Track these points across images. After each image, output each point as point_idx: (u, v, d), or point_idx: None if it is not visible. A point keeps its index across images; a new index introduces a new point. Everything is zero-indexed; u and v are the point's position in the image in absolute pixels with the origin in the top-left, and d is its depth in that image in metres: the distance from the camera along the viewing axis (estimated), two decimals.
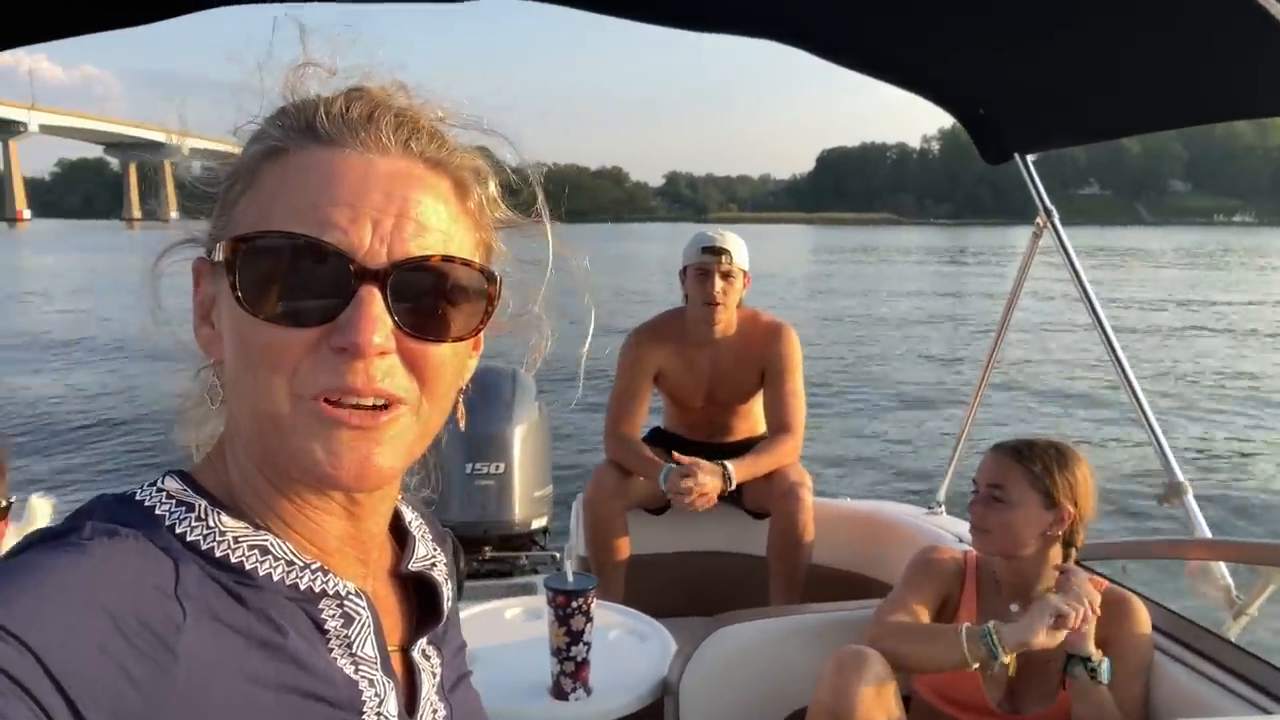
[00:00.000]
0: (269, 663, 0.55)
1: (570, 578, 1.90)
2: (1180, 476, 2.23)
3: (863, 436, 9.31)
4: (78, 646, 0.47)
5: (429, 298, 0.58)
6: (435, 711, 0.68)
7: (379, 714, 0.60)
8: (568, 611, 1.86)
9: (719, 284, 2.83)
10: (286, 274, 0.54)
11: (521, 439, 3.12)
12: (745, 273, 2.92)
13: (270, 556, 0.57)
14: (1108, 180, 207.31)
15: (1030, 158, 2.49)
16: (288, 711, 0.55)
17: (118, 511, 0.55)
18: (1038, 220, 2.55)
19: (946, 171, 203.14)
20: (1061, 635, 1.69)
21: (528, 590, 2.71)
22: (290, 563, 0.58)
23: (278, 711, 0.54)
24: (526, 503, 3.12)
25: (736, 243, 2.93)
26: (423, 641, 0.69)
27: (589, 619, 1.89)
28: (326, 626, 0.60)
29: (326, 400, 0.55)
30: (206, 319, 0.58)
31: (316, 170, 0.55)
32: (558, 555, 3.07)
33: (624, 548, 2.87)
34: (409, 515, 0.75)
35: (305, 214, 0.54)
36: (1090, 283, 2.37)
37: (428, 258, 0.57)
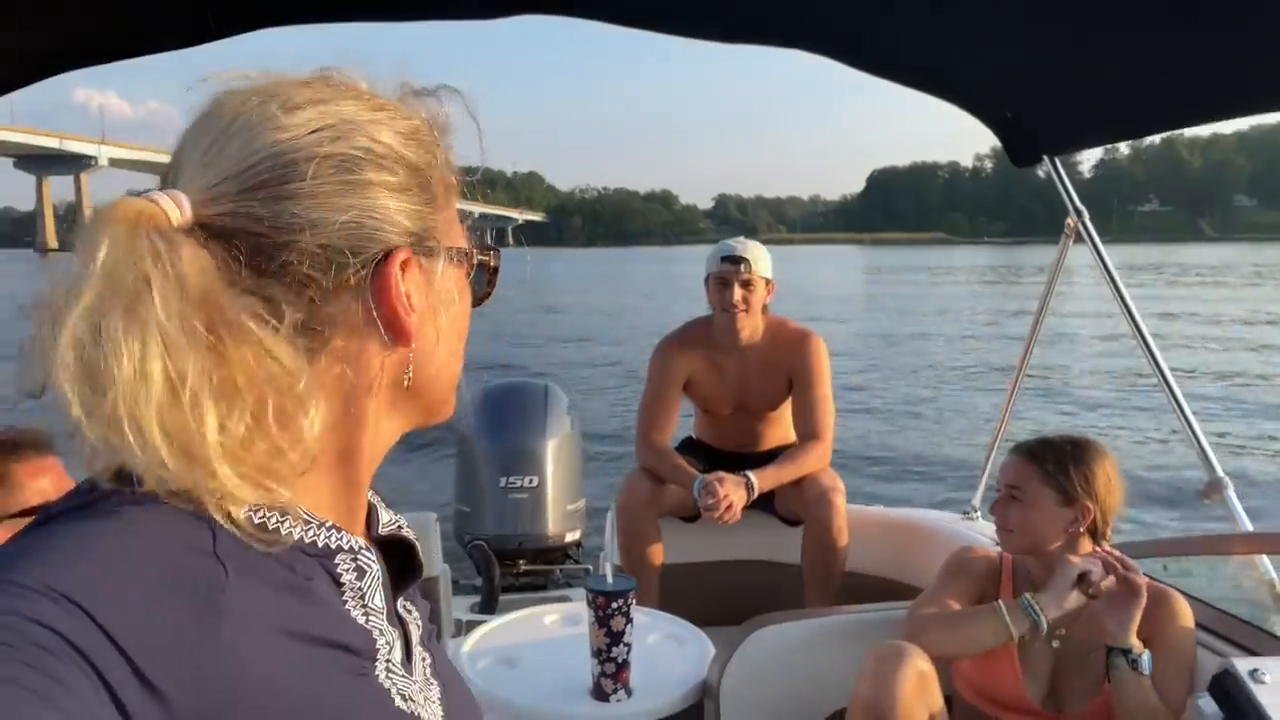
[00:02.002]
0: (300, 616, 0.57)
1: (610, 579, 1.91)
2: (1220, 472, 2.19)
3: (901, 446, 9.29)
4: (133, 610, 0.48)
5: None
6: (424, 659, 0.71)
7: (389, 660, 0.63)
8: (608, 612, 1.87)
9: (739, 292, 2.85)
10: (487, 273, 0.73)
11: (554, 452, 3.15)
12: (768, 280, 2.94)
13: (289, 517, 0.59)
14: (1168, 196, 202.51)
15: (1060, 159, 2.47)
16: (318, 661, 0.57)
17: (128, 482, 0.56)
18: (1068, 221, 2.52)
19: (1000, 189, 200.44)
20: (1088, 596, 1.71)
21: (565, 601, 2.72)
22: (307, 521, 0.60)
23: (309, 662, 0.56)
24: (559, 516, 3.14)
25: (757, 251, 2.94)
26: (402, 599, 0.72)
27: (629, 620, 1.90)
28: (342, 580, 0.62)
29: None
30: (410, 306, 0.62)
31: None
32: (591, 569, 3.08)
33: (657, 555, 2.87)
34: None
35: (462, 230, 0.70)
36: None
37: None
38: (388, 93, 0.65)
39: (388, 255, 0.60)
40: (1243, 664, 1.34)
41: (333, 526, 0.62)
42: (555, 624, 2.33)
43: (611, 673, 1.91)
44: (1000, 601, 1.77)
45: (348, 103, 0.61)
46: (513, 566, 3.17)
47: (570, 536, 3.20)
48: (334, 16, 1.97)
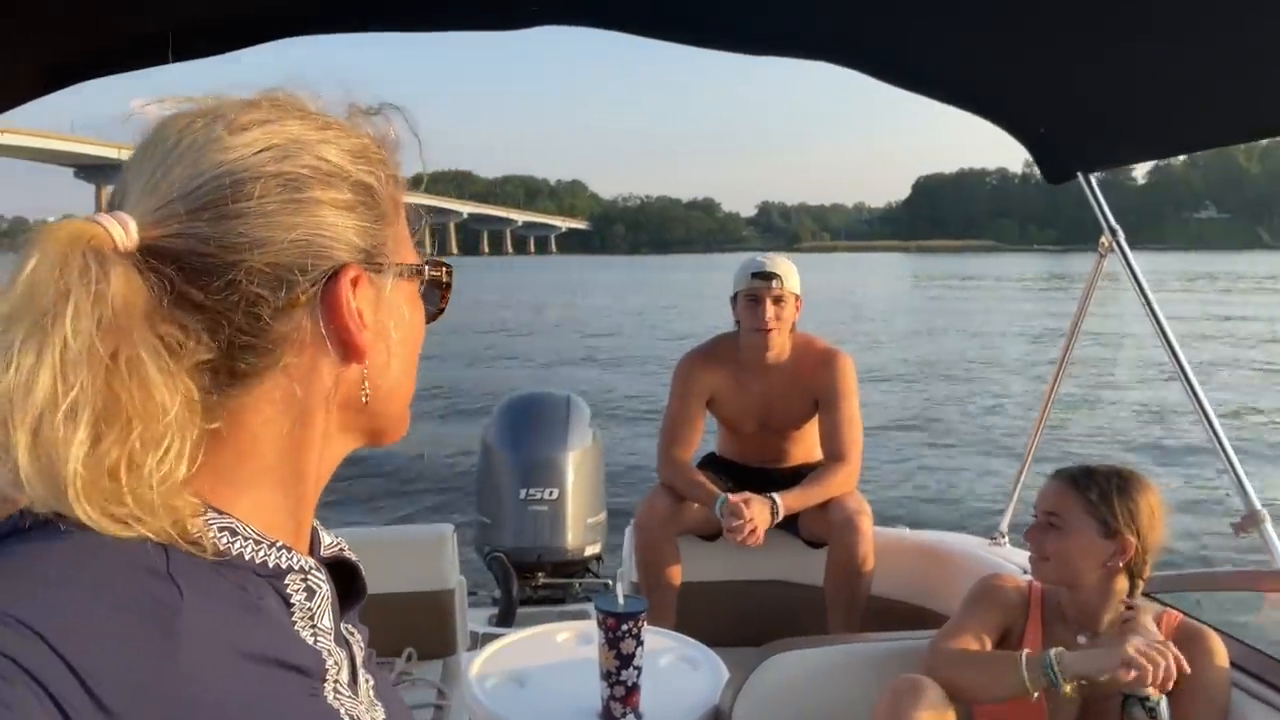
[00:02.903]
0: (254, 637, 0.57)
1: (621, 600, 1.88)
2: (1258, 505, 2.11)
3: (934, 467, 9.13)
4: (89, 633, 0.48)
5: None
6: (368, 680, 0.71)
7: (337, 681, 0.63)
8: (618, 634, 1.84)
9: (770, 309, 2.80)
10: (439, 289, 0.73)
11: (575, 465, 3.13)
12: (797, 297, 2.89)
13: (239, 537, 0.59)
14: (1225, 203, 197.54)
15: (1096, 176, 2.41)
16: (270, 682, 0.56)
17: None
18: (1102, 240, 2.46)
19: (1050, 196, 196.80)
20: (1130, 677, 1.59)
21: (579, 617, 2.69)
22: (257, 541, 0.60)
23: (264, 683, 0.56)
24: (579, 529, 3.11)
25: (787, 267, 2.90)
26: (345, 621, 0.72)
27: (639, 643, 1.86)
28: (292, 600, 0.62)
29: None
30: (362, 323, 0.62)
31: (410, 215, 0.70)
32: (610, 583, 3.05)
33: (676, 573, 2.83)
34: None
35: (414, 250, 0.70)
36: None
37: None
38: (335, 112, 0.66)
39: (338, 272, 0.60)
40: None
41: (283, 546, 0.62)
42: (568, 642, 2.30)
43: (621, 696, 1.88)
44: (1023, 654, 1.70)
45: (293, 123, 0.61)
46: (531, 579, 3.14)
47: (590, 550, 3.16)
48: (361, 27, 1.98)
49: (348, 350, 0.62)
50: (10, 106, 1.92)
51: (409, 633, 2.62)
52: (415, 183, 0.72)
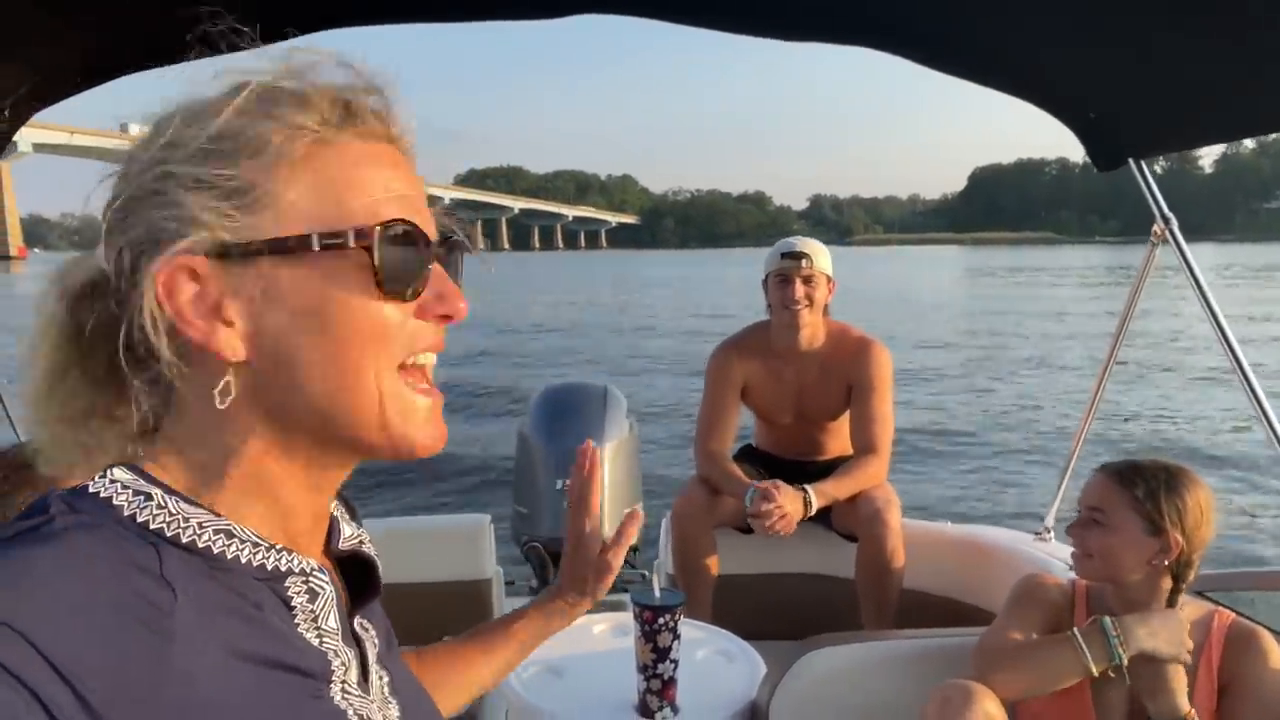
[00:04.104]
0: (250, 639, 0.56)
1: (658, 593, 1.86)
2: None
3: (981, 463, 8.84)
4: (75, 633, 0.47)
5: (455, 266, 0.68)
6: (382, 677, 0.70)
7: (344, 681, 0.63)
8: (654, 628, 1.83)
9: (800, 288, 2.78)
10: (403, 256, 0.59)
11: (611, 456, 3.12)
12: (829, 278, 2.85)
13: (236, 540, 0.58)
14: None
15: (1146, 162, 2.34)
16: (269, 684, 0.56)
17: (75, 503, 0.56)
18: (1155, 229, 2.38)
19: (1113, 186, 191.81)
20: (1186, 660, 1.58)
21: (617, 608, 2.69)
22: (255, 544, 0.59)
23: (260, 685, 0.56)
24: (616, 520, 3.09)
25: (818, 248, 2.87)
26: (359, 616, 0.71)
27: (676, 636, 1.85)
28: (293, 603, 0.61)
29: (400, 369, 0.61)
30: (218, 318, 0.57)
31: (376, 161, 0.61)
32: (647, 574, 3.04)
33: (712, 566, 2.81)
34: None
35: (388, 203, 0.60)
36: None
37: (454, 233, 0.67)
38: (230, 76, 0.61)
39: (175, 271, 0.56)
40: None
41: (282, 549, 0.61)
42: (604, 633, 2.30)
43: (657, 689, 1.86)
44: (1076, 630, 1.65)
45: (180, 109, 0.60)
46: None
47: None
48: (395, 18, 1.99)
49: (216, 354, 0.58)
50: (60, 98, 1.97)
51: (446, 621, 2.63)
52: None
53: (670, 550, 2.87)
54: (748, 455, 3.07)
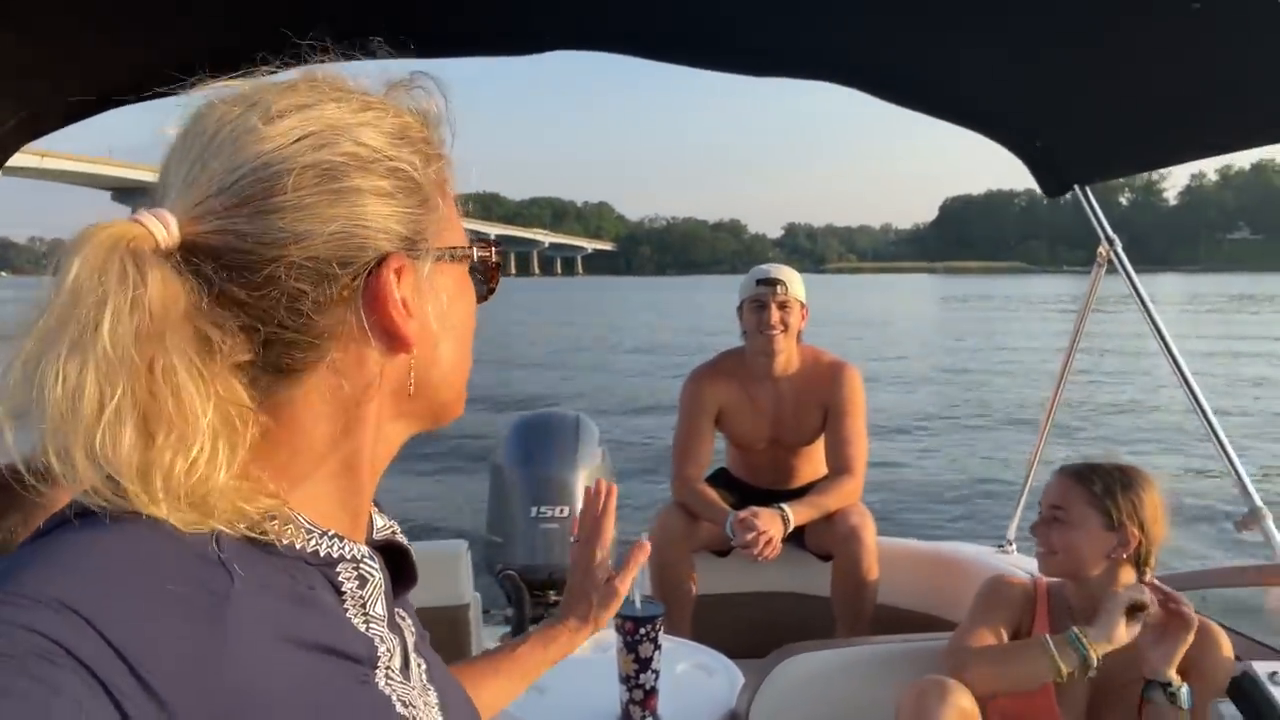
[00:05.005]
0: (303, 624, 0.56)
1: (638, 604, 1.90)
2: (1258, 501, 2.16)
3: (947, 478, 9.06)
4: (137, 619, 0.47)
5: None
6: (420, 665, 0.71)
7: (388, 668, 0.63)
8: (636, 638, 1.87)
9: (775, 314, 2.82)
10: (487, 268, 0.72)
11: (585, 483, 3.13)
12: (803, 305, 2.89)
13: (290, 526, 0.58)
14: (1259, 223, 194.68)
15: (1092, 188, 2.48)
16: (321, 669, 0.56)
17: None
18: (1100, 250, 2.51)
19: (1081, 216, 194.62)
20: (1138, 628, 1.65)
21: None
22: (309, 531, 0.60)
23: (312, 670, 0.56)
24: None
25: (792, 275, 2.92)
26: (396, 605, 0.72)
27: (657, 647, 1.89)
28: (344, 588, 0.62)
29: None
30: (409, 312, 0.61)
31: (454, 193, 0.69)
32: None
33: (690, 590, 2.83)
34: None
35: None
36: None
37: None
38: (373, 89, 0.64)
39: (380, 263, 0.59)
40: (1262, 667, 1.33)
41: (335, 535, 0.62)
42: (585, 650, 2.30)
43: (640, 699, 1.90)
44: (1047, 637, 1.71)
45: (331, 106, 0.59)
46: (543, 597, 3.14)
47: None
48: (376, 53, 2.00)
49: (393, 341, 0.60)
50: (47, 131, 1.97)
51: None
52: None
53: (649, 574, 2.88)
54: (721, 479, 3.08)
